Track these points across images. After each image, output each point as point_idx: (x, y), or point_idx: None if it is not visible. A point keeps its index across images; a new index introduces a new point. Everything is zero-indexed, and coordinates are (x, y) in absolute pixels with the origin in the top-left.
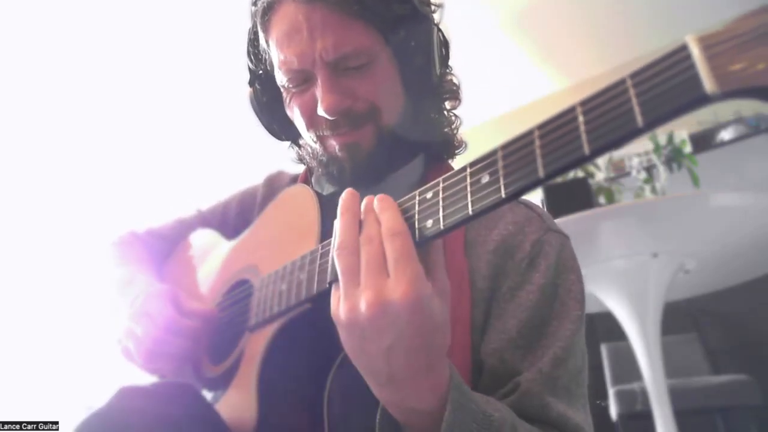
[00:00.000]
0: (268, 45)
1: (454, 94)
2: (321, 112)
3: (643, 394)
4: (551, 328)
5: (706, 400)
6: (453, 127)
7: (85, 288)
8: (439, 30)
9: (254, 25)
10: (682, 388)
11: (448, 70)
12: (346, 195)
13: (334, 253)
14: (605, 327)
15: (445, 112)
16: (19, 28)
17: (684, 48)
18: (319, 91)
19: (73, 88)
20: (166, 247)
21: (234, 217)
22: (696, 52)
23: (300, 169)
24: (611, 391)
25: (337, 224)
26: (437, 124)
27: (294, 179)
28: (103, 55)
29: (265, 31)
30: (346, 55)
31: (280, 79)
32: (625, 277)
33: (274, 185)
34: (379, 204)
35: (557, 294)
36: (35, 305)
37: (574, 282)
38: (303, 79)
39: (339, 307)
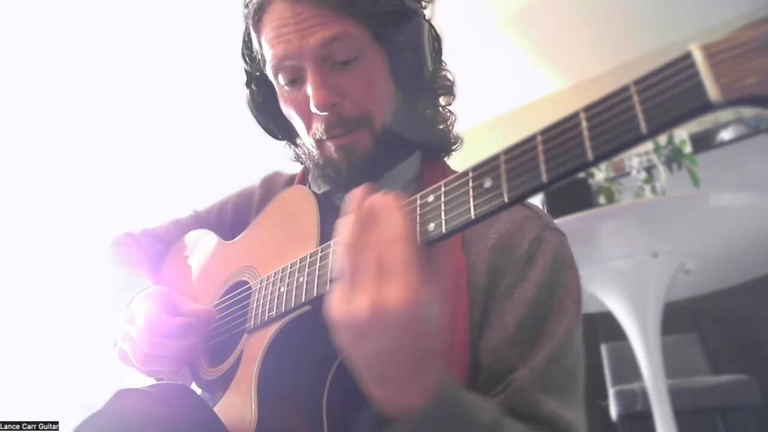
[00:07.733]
0: (260, 45)
1: (448, 89)
2: (312, 108)
3: (643, 394)
4: (548, 325)
5: (706, 400)
6: (448, 123)
7: (83, 289)
8: (431, 25)
9: (247, 27)
10: (682, 388)
11: (441, 66)
12: (356, 192)
13: (340, 250)
14: (605, 327)
15: (440, 109)
16: (19, 27)
17: (688, 56)
18: (309, 87)
19: (70, 88)
20: (163, 249)
21: (230, 218)
22: (700, 60)
23: (297, 168)
24: (611, 391)
25: (346, 221)
26: (432, 121)
27: (291, 179)
28: (101, 55)
29: (257, 31)
30: (333, 48)
31: (272, 76)
32: (625, 277)
33: (271, 186)
34: (383, 205)
35: (555, 291)
36: (35, 306)
37: (572, 280)
38: (294, 77)
39: (338, 305)
